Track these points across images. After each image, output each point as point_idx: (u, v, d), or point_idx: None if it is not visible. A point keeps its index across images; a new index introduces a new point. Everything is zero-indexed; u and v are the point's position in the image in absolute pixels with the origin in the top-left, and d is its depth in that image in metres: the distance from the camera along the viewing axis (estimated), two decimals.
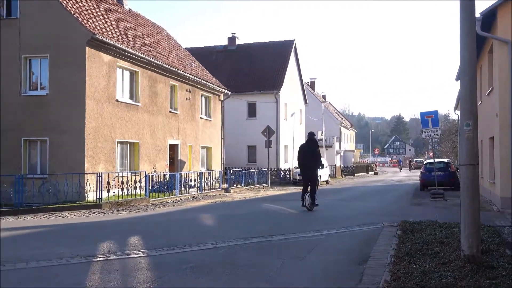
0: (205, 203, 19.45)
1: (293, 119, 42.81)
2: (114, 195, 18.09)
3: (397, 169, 76.88)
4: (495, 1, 14.35)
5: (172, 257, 8.20)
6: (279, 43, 42.95)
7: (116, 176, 19.44)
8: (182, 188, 22.98)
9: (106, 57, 19.72)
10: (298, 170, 34.45)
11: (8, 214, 15.40)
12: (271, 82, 39.07)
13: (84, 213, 15.63)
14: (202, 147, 29.26)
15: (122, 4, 26.68)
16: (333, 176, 42.50)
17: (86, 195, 18.00)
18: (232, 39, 44.04)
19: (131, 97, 21.84)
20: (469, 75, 6.96)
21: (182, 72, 25.88)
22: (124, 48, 20.39)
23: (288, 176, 36.61)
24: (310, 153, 15.47)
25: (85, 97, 18.36)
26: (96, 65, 19.04)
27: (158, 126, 23.73)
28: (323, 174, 33.81)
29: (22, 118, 18.86)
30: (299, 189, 28.89)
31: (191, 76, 26.93)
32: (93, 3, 22.16)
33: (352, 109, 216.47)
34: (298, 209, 16.39)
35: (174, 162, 25.73)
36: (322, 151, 48.28)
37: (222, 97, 31.96)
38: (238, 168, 31.81)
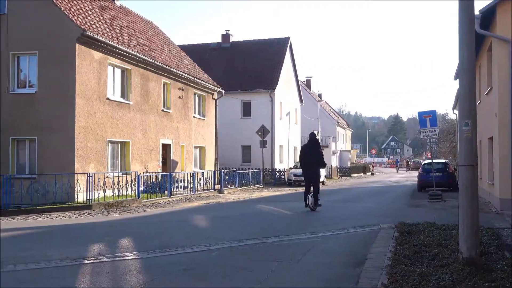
0: (198, 204, 19.43)
1: (288, 119, 42.85)
2: (104, 196, 18.03)
3: (394, 169, 77.08)
4: None
5: (164, 259, 8.19)
6: (274, 41, 42.96)
7: (107, 177, 19.39)
8: (175, 189, 22.94)
9: (97, 54, 19.67)
10: (294, 170, 35.06)
11: None
12: (266, 80, 39.08)
13: (74, 214, 15.56)
14: (195, 147, 29.23)
15: (113, 0, 26.61)
16: (329, 177, 42.53)
17: (76, 196, 17.93)
18: (226, 36, 44.01)
19: (122, 96, 21.78)
20: (468, 74, 6.98)
21: (175, 70, 25.85)
22: (115, 45, 20.34)
23: (283, 176, 36.62)
24: (312, 153, 15.75)
25: (75, 96, 18.29)
26: (86, 62, 18.98)
27: (150, 125, 23.68)
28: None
29: (10, 117, 18.76)
30: (295, 190, 29.20)
31: (184, 74, 26.89)
32: None
33: (348, 108, 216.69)
34: (293, 210, 16.44)
35: (167, 162, 25.69)
36: None
37: (215, 96, 31.94)
38: (232, 168, 31.78)
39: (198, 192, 23.77)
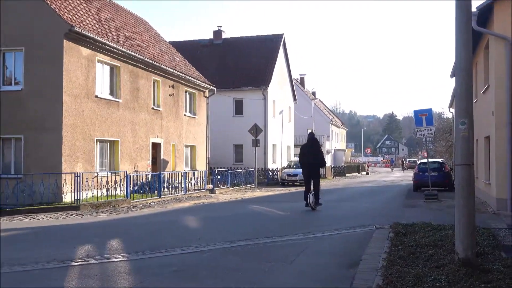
0: (189, 204, 19.41)
1: (281, 117, 42.89)
2: (93, 196, 17.98)
3: (389, 169, 77.28)
4: None
5: (154, 261, 8.17)
6: (267, 38, 42.98)
7: (95, 176, 19.33)
8: (165, 189, 22.91)
9: (85, 51, 19.59)
10: (287, 170, 35.16)
11: None
12: (259, 78, 39.08)
13: (61, 215, 15.50)
14: (186, 146, 29.19)
15: None
16: (323, 176, 42.52)
17: (63, 196, 17.86)
18: (218, 33, 43.98)
19: (111, 93, 21.72)
20: (465, 72, 7.01)
21: (165, 67, 25.80)
22: (104, 41, 20.27)
23: (276, 176, 36.66)
24: (311, 152, 16.12)
25: (62, 93, 18.21)
26: (74, 59, 18.90)
27: (139, 124, 23.63)
28: None
29: None
30: (288, 190, 29.25)
31: (174, 72, 26.85)
32: None
33: (343, 106, 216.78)
34: (286, 210, 16.50)
35: (157, 161, 25.64)
36: None
37: (207, 94, 31.91)
38: (224, 168, 31.79)
39: (189, 192, 23.75)
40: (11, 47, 18.80)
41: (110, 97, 21.46)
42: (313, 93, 69.50)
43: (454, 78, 8.05)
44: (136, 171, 22.64)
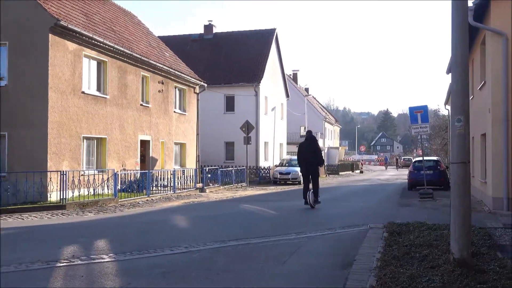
0: (178, 203, 19.38)
1: (274, 114, 42.90)
2: (79, 195, 17.88)
3: (383, 167, 77.52)
4: None
5: (142, 261, 8.16)
6: (259, 32, 42.94)
7: (82, 175, 19.24)
8: (154, 188, 22.85)
9: (71, 45, 19.48)
10: (279, 168, 35.20)
11: None
12: (251, 74, 39.06)
13: (46, 214, 15.43)
14: (176, 144, 29.13)
15: None
16: None
17: (48, 195, 17.77)
18: (208, 27, 43.89)
19: (98, 89, 21.62)
20: (461, 67, 7.03)
21: (154, 63, 25.71)
22: (91, 35, 20.16)
23: (268, 174, 36.68)
24: (310, 150, 16.64)
25: (47, 89, 18.11)
26: (60, 54, 18.79)
27: (128, 121, 23.54)
28: None
29: None
30: (280, 188, 29.27)
31: (164, 67, 26.77)
32: None
33: (336, 103, 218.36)
34: (278, 210, 16.53)
35: (145, 159, 25.57)
36: None
37: (197, 90, 31.84)
38: (215, 166, 31.77)
39: (179, 191, 23.71)
40: None
41: (98, 93, 21.36)
42: (306, 90, 69.56)
43: (450, 74, 8.07)
44: (124, 169, 22.56)
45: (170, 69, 27.55)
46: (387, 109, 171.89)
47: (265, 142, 40.31)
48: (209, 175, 28.08)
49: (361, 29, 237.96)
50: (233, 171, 30.84)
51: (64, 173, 17.35)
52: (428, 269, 6.70)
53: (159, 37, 34.21)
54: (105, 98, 21.73)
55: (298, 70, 69.58)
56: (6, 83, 18.46)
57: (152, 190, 22.19)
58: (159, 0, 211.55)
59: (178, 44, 40.39)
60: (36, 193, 17.25)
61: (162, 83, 27.10)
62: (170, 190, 23.36)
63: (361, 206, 17.73)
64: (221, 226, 12.79)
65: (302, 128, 52.96)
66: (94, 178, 19.28)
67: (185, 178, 26.01)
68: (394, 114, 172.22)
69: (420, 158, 25.95)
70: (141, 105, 24.86)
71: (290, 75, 64.26)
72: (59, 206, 16.62)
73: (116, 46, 22.02)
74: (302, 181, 33.19)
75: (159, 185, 23.59)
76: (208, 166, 30.73)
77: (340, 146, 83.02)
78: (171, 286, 6.65)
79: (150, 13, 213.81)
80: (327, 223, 12.71)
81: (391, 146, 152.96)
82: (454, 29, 7.08)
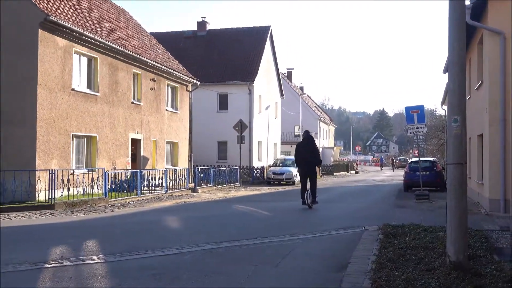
0: (170, 204, 19.36)
1: (268, 113, 42.90)
2: (68, 194, 17.80)
3: (379, 168, 77.70)
4: None
5: (133, 263, 8.14)
6: (253, 30, 42.93)
7: (71, 174, 19.18)
8: (145, 188, 22.81)
9: (61, 41, 19.41)
10: (273, 168, 35.21)
11: None
12: (245, 72, 39.04)
13: (35, 214, 15.36)
14: (168, 143, 29.08)
15: None
16: None
17: (37, 195, 17.70)
18: (202, 24, 43.84)
19: (89, 86, 21.55)
20: (458, 67, 7.04)
21: (146, 60, 25.66)
22: (82, 31, 20.09)
23: (261, 175, 36.68)
24: (307, 151, 16.96)
25: (37, 86, 18.03)
26: (50, 50, 18.71)
27: (119, 119, 23.48)
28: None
29: None
30: (274, 189, 29.29)
31: (156, 64, 26.72)
32: None
33: (332, 102, 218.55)
34: (272, 210, 16.56)
35: (136, 158, 25.52)
36: None
37: (190, 88, 31.80)
38: (207, 165, 31.73)
39: (170, 191, 23.67)
40: None
41: (88, 91, 21.29)
42: (301, 88, 69.63)
43: (447, 74, 8.09)
44: (115, 169, 22.50)
45: (163, 66, 27.50)
46: (383, 109, 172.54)
47: (258, 142, 40.31)
48: (201, 175, 28.04)
49: (357, 27, 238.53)
50: (226, 171, 30.82)
51: (53, 172, 17.27)
52: (424, 272, 6.71)
53: (151, 33, 34.10)
54: (96, 95, 21.66)
55: (292, 69, 69.74)
56: None
57: (143, 190, 22.14)
58: None
59: (171, 41, 40.30)
60: (24, 192, 17.17)
61: (154, 81, 27.05)
62: (162, 190, 23.32)
63: (356, 207, 17.77)
64: (213, 227, 12.77)
65: (297, 128, 53.06)
66: (83, 177, 19.23)
67: (177, 178, 25.97)
68: (390, 113, 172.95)
69: (416, 159, 26.02)
70: (133, 103, 24.80)
71: (285, 73, 64.27)
72: (48, 205, 16.55)
73: (107, 42, 21.95)
74: (299, 181, 33.52)
75: (150, 185, 23.55)
76: (200, 166, 30.68)
77: (335, 146, 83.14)
78: None
79: (142, 9, 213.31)
80: (322, 224, 12.72)
81: (387, 146, 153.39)
82: (451, 28, 7.09)
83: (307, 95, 70.56)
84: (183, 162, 30.34)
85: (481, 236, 9.44)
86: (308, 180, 16.88)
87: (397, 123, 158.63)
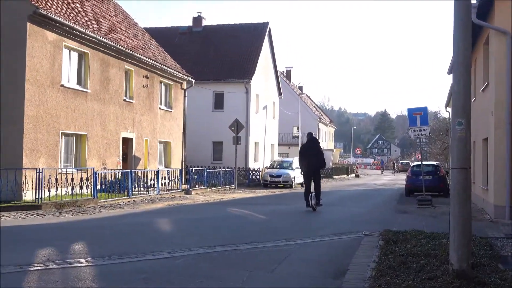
0: (162, 205, 19.34)
1: (265, 113, 42.92)
2: (56, 194, 17.77)
3: (379, 171, 77.75)
4: None
5: (122, 266, 8.12)
6: (251, 26, 42.95)
7: (59, 173, 19.14)
8: (136, 189, 22.76)
9: (51, 36, 19.37)
10: (270, 170, 35.23)
11: None
12: (241, 69, 39.05)
13: (21, 214, 15.32)
14: (161, 142, 29.06)
15: None
16: None
17: (23, 194, 17.65)
18: (197, 20, 43.85)
19: (79, 83, 21.52)
20: (463, 67, 7.04)
21: (139, 56, 25.64)
22: (72, 25, 20.06)
23: (258, 177, 36.68)
24: (313, 153, 17.44)
25: (24, 81, 17.99)
26: (38, 44, 18.67)
27: (110, 117, 23.45)
28: (298, 176, 33.97)
29: None
30: (270, 192, 29.29)
31: (149, 60, 26.70)
32: None
33: (332, 103, 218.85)
34: (268, 214, 16.55)
35: (128, 158, 25.49)
36: (298, 149, 48.55)
37: (184, 86, 31.79)
38: (201, 166, 31.71)
39: (163, 192, 23.65)
40: None
41: (78, 87, 21.26)
42: (300, 88, 69.65)
43: (451, 75, 8.09)
44: (105, 168, 22.47)
45: (156, 63, 27.48)
46: (385, 110, 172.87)
47: (255, 143, 40.32)
48: (195, 176, 28.02)
49: (359, 25, 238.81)
50: (220, 172, 30.82)
51: (40, 171, 17.23)
52: (426, 281, 6.71)
53: (145, 28, 34.09)
54: (86, 92, 21.63)
55: (291, 67, 70.01)
56: None
57: (134, 191, 22.11)
58: None
59: (165, 37, 40.31)
60: (9, 191, 17.11)
61: (147, 78, 27.03)
62: (154, 191, 23.30)
63: (356, 212, 17.78)
64: (206, 230, 12.78)
65: (295, 129, 53.09)
66: (72, 177, 19.19)
67: (170, 178, 25.95)
68: (392, 115, 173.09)
69: (419, 163, 26.05)
70: (124, 100, 24.78)
71: (283, 72, 64.34)
72: (34, 206, 16.50)
73: (98, 37, 21.91)
74: (297, 184, 33.66)
75: (141, 185, 23.52)
76: (194, 167, 30.67)
77: (334, 148, 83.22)
78: None
79: (135, 3, 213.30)
80: (320, 229, 12.73)
81: (388, 149, 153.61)
82: (456, 27, 7.10)
83: (306, 95, 70.63)
84: (176, 163, 30.32)
85: (485, 244, 9.45)
86: (312, 183, 17.28)
87: (399, 125, 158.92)
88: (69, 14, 21.05)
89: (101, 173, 20.87)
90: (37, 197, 16.92)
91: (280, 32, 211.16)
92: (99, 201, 18.84)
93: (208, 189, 27.98)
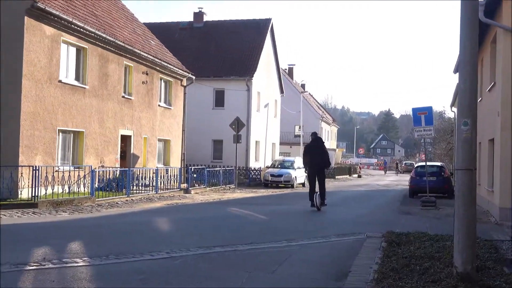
0: (160, 205, 19.35)
1: (266, 111, 42.92)
2: (53, 192, 17.81)
3: (383, 172, 77.75)
4: None
5: (120, 267, 8.13)
6: (253, 22, 42.91)
7: (56, 171, 19.15)
8: (134, 187, 22.79)
9: (49, 30, 19.37)
10: (271, 170, 35.24)
11: None
12: (243, 66, 39.04)
13: (17, 213, 15.35)
14: (160, 140, 29.06)
15: None
16: None
17: (19, 192, 17.65)
18: (198, 15, 43.82)
19: (77, 78, 21.52)
20: (469, 66, 7.04)
21: (139, 51, 25.64)
22: (71, 20, 20.06)
23: (258, 176, 36.68)
24: (317, 153, 17.77)
25: (21, 77, 18.00)
26: (36, 38, 18.68)
27: (108, 114, 23.46)
28: (299, 176, 34.05)
29: None
30: (271, 191, 29.29)
31: (149, 56, 26.69)
32: None
33: (335, 101, 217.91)
34: (269, 214, 16.56)
35: (126, 156, 25.49)
36: (299, 148, 48.57)
37: (185, 82, 31.78)
38: (201, 165, 31.72)
39: (161, 191, 23.67)
40: None
41: (76, 83, 21.26)
42: (303, 86, 69.72)
43: (457, 74, 8.10)
44: (103, 166, 22.48)
45: (156, 59, 27.47)
46: (389, 110, 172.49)
47: (256, 141, 40.31)
48: (194, 175, 28.02)
49: (362, 23, 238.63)
50: (221, 171, 30.82)
51: (37, 168, 17.26)
52: (429, 283, 6.70)
53: (145, 24, 34.07)
54: (84, 88, 21.63)
55: (294, 65, 69.67)
56: None
57: (133, 190, 22.13)
58: None
59: (165, 32, 40.25)
60: (5, 189, 17.14)
61: (147, 74, 27.03)
62: (152, 190, 23.31)
63: (358, 213, 17.78)
64: (206, 231, 12.78)
65: (297, 127, 53.06)
66: (69, 175, 19.18)
67: (169, 177, 25.96)
68: (396, 115, 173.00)
69: (423, 163, 26.02)
70: (123, 97, 24.78)
71: (286, 69, 64.32)
72: (31, 204, 16.52)
73: (97, 32, 21.91)
74: (298, 184, 33.69)
75: (140, 184, 23.53)
76: (194, 165, 30.66)
77: (337, 147, 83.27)
78: None
79: None
80: (322, 230, 12.74)
81: (392, 149, 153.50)
82: (463, 25, 7.10)
83: (309, 93, 70.61)
84: (176, 161, 30.33)
85: (490, 246, 9.44)
86: (317, 182, 17.58)
87: (403, 125, 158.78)
88: (68, 8, 21.04)
89: (98, 171, 20.89)
90: (33, 195, 16.93)
91: (283, 29, 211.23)
92: (97, 199, 18.86)
93: (207, 188, 27.99)
